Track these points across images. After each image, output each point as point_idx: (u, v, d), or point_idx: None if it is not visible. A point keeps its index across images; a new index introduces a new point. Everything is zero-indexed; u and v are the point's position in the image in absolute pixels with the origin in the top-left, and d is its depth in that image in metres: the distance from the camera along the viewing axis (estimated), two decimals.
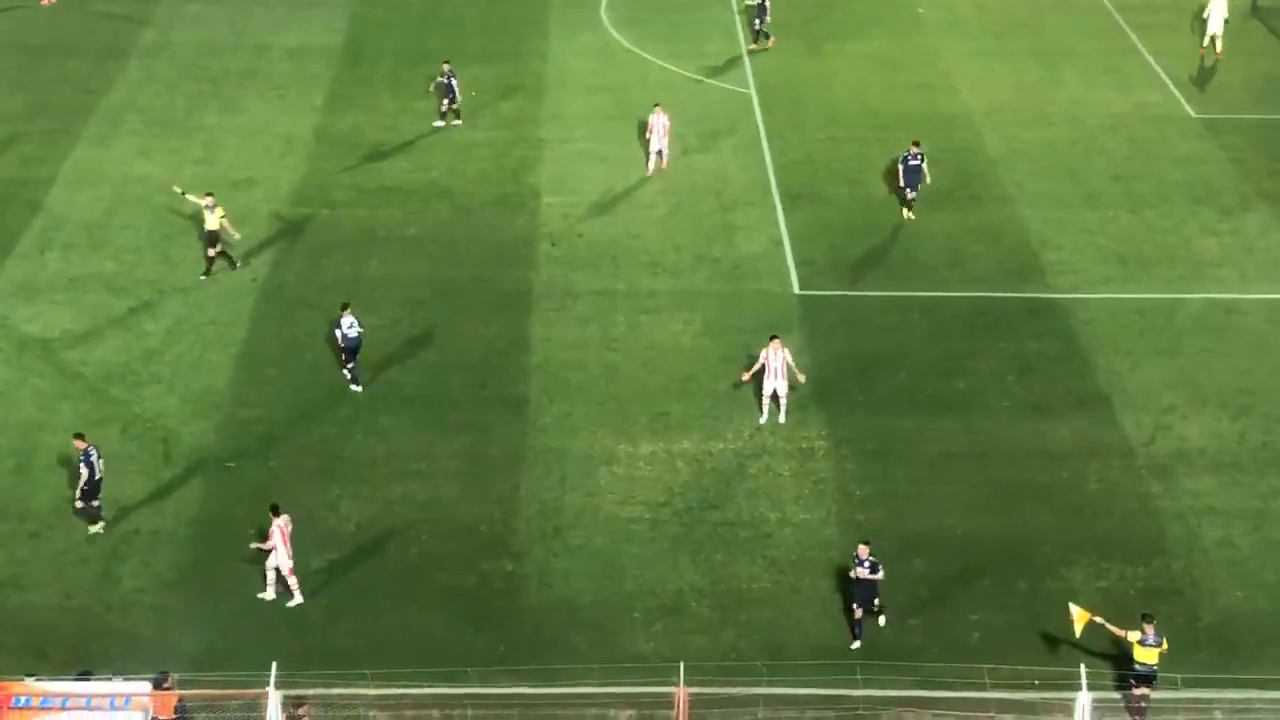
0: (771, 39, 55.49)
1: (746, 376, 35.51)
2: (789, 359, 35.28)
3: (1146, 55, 55.70)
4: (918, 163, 43.52)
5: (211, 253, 40.53)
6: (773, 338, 35.62)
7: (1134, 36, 57.13)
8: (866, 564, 29.52)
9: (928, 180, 43.86)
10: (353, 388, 36.60)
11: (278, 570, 30.24)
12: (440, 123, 49.03)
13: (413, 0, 58.93)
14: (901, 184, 43.95)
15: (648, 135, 46.23)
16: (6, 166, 46.28)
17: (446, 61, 49.03)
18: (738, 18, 57.35)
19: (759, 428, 35.40)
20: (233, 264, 41.07)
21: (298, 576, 30.36)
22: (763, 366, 35.22)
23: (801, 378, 35.88)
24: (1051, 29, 58.05)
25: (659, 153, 46.31)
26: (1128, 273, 42.14)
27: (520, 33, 56.59)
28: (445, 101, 48.83)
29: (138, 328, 38.64)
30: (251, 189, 45.30)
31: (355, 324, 36.25)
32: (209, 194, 40.74)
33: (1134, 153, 48.81)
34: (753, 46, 55.50)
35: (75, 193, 44.90)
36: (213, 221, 40.25)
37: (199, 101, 50.79)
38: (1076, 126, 50.44)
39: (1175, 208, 45.47)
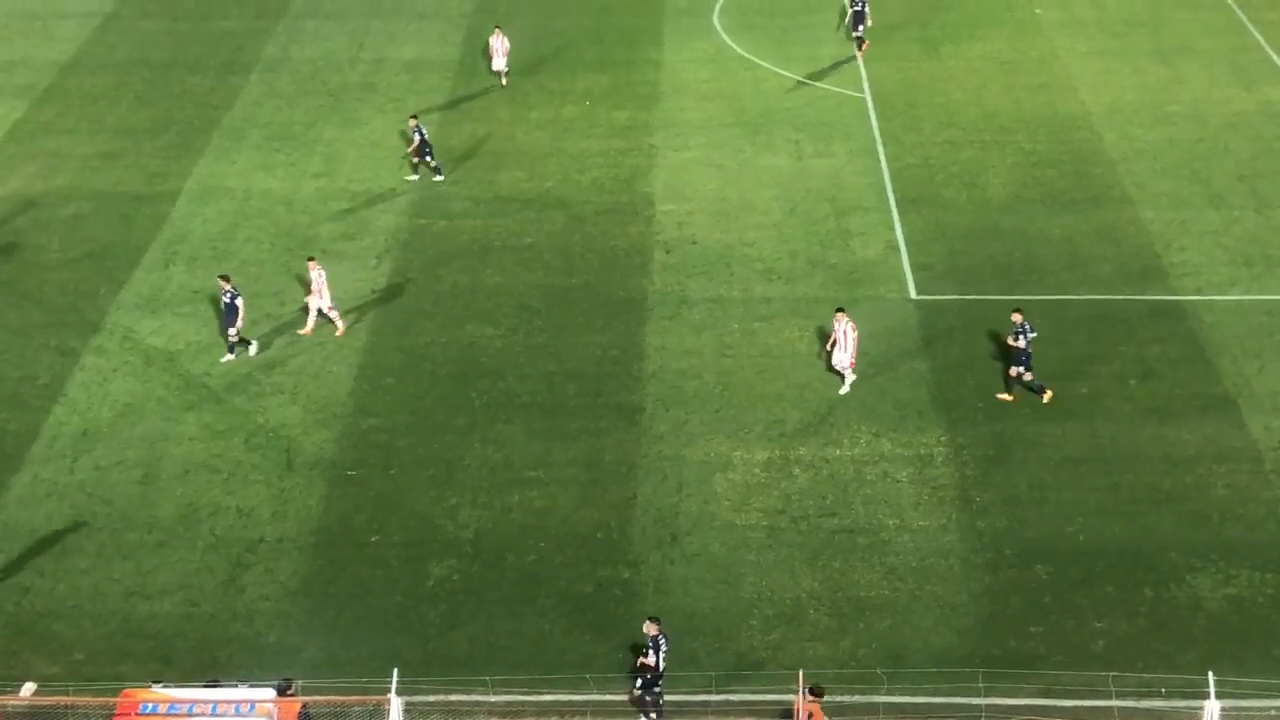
0: (865, 44, 55.07)
1: (829, 347, 36.74)
2: (850, 333, 36.21)
3: (1270, 52, 54.58)
4: None
5: None
6: (839, 310, 36.76)
7: (1257, 33, 56.03)
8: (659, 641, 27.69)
9: None
10: (224, 357, 38.36)
11: None
12: None
13: (527, 11, 59.38)
14: None
15: (306, 298, 39.47)
16: (132, 182, 47.23)
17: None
18: (841, 22, 56.93)
19: (875, 434, 35.23)
20: None
21: None
22: (834, 340, 36.57)
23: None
24: (1171, 27, 57.14)
25: (319, 310, 39.14)
26: (1254, 274, 41.30)
27: (633, 41, 56.79)
28: None
29: (260, 339, 39.22)
30: (370, 201, 45.84)
31: (231, 292, 37.86)
32: None
33: (1259, 151, 47.85)
34: (858, 53, 55.12)
35: (199, 207, 45.71)
36: None
37: (318, 115, 51.52)
38: (1199, 125, 49.56)
39: None
